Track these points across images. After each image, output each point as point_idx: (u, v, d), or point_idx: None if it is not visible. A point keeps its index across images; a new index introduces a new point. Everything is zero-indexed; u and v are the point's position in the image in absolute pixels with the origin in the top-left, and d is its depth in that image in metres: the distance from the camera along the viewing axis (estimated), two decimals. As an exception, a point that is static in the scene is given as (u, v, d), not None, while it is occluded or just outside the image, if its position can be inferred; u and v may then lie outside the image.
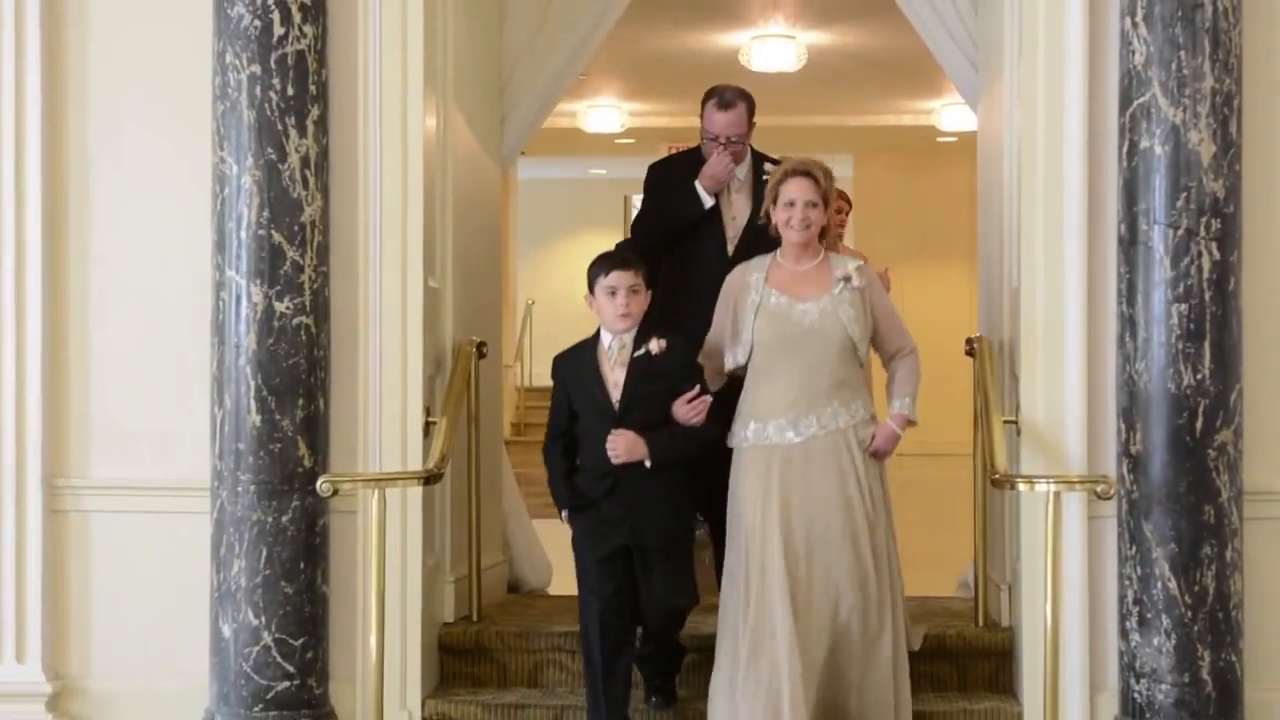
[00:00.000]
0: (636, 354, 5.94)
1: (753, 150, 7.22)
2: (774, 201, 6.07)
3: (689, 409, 5.89)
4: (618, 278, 5.94)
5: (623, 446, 5.85)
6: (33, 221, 6.32)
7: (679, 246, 7.14)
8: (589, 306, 6.08)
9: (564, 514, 6.10)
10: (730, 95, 7.16)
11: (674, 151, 8.84)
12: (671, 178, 7.28)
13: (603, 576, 5.99)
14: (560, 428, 6.07)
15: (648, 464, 5.91)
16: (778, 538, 5.85)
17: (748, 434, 6.01)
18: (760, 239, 6.52)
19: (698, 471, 6.20)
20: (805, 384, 5.95)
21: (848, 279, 6.03)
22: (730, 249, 7.05)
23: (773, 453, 5.95)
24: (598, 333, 6.05)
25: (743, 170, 7.16)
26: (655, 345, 5.92)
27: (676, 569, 6.05)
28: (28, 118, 6.32)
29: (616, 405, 5.92)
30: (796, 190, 6.01)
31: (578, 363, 6.04)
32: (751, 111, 7.20)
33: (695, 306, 6.62)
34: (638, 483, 5.91)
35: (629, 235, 8.04)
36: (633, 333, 5.99)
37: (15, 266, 6.31)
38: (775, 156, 6.88)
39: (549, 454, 6.11)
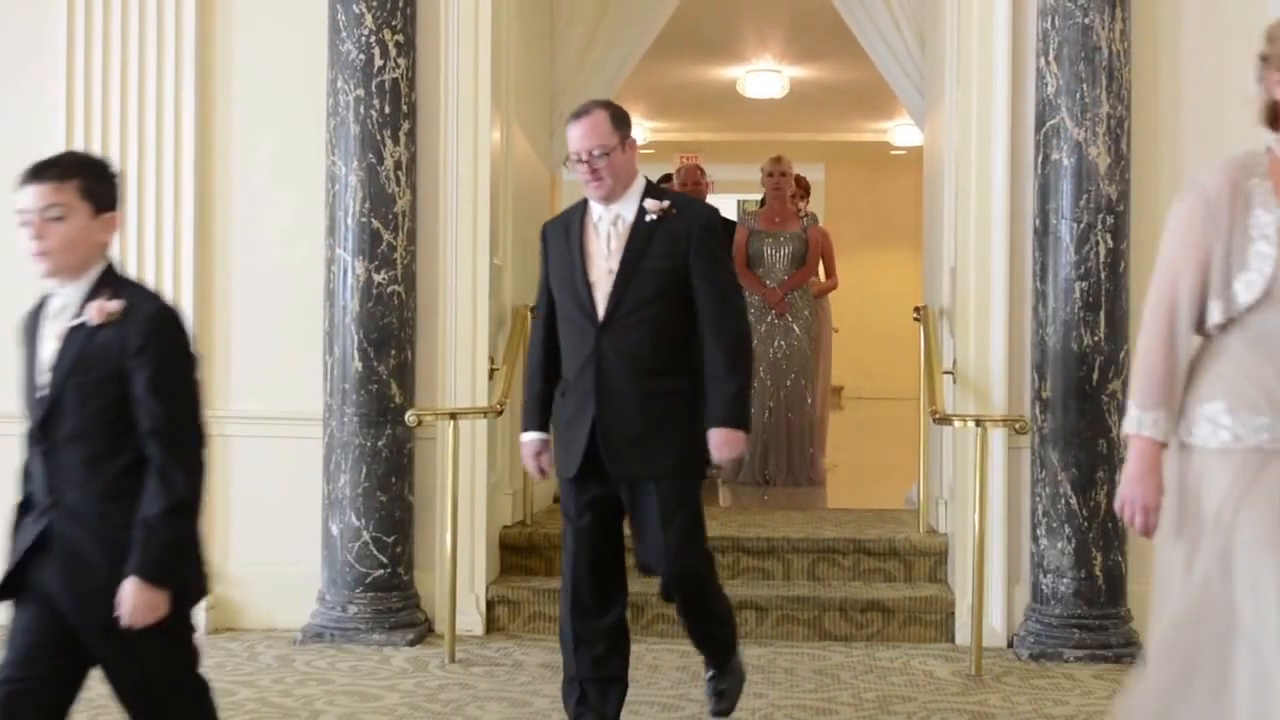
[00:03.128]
0: (73, 323, 3.09)
1: (648, 183, 4.47)
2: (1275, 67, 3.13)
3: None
4: (26, 196, 3.08)
5: (140, 606, 3.01)
6: (188, 210, 6.22)
7: (560, 313, 4.50)
8: None
9: None
10: (585, 104, 4.47)
11: (688, 161, 8.44)
12: (556, 232, 4.57)
13: None
14: None
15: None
16: None
17: (1241, 430, 3.05)
18: (641, 305, 4.26)
19: None
20: None
21: None
22: (601, 313, 4.32)
23: (1272, 460, 3.03)
24: None
25: (630, 209, 4.37)
26: (99, 310, 3.06)
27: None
28: (184, 129, 6.21)
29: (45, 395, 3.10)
30: None
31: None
32: (619, 120, 4.40)
33: (568, 400, 4.43)
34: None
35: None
36: (80, 289, 3.11)
37: (174, 244, 6.22)
38: (665, 188, 5.04)
39: None
